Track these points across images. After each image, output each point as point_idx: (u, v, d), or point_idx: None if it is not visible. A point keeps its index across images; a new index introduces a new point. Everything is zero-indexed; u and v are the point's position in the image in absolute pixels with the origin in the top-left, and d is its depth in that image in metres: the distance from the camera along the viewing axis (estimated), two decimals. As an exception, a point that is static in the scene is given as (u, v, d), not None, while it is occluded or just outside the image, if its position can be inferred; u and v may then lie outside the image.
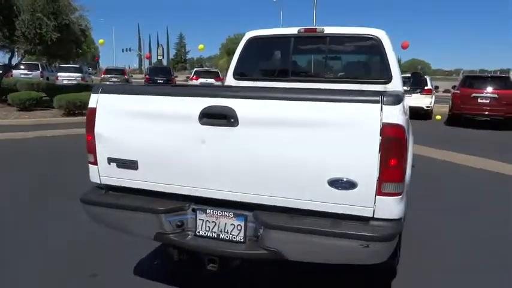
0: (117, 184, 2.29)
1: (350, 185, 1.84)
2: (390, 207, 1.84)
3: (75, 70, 23.21)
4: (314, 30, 3.93)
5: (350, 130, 1.81)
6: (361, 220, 1.87)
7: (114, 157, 2.24)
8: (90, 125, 2.28)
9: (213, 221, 2.12)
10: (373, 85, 3.77)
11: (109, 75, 23.10)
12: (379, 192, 1.81)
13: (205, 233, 2.13)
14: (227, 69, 4.51)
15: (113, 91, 2.28)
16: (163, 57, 76.85)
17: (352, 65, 4.26)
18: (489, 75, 13.40)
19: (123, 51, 61.49)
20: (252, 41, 4.15)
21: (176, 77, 25.50)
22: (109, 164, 2.26)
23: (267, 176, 1.96)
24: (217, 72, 23.37)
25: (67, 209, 4.03)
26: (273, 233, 1.94)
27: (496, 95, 11.70)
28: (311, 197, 1.91)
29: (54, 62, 21.47)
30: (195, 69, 23.99)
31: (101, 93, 2.26)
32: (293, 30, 4.03)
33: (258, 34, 4.15)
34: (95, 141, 2.27)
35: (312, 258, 1.98)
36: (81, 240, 3.37)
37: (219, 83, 21.91)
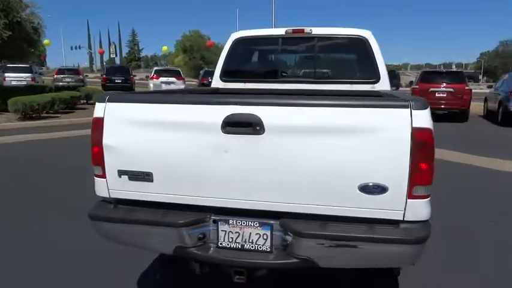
0: (129, 198, 2.17)
1: (381, 189, 1.85)
2: (420, 210, 1.87)
3: (25, 70, 21.67)
4: (302, 31, 3.93)
5: (380, 135, 1.82)
6: (390, 223, 1.89)
7: (126, 169, 2.12)
8: (97, 136, 2.14)
9: (236, 232, 2.06)
10: (362, 85, 3.84)
11: (62, 76, 21.99)
12: (410, 195, 1.84)
13: (228, 244, 2.06)
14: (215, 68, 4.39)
15: (122, 100, 2.15)
16: (116, 55, 74.16)
17: (341, 65, 4.32)
18: (444, 71, 14.13)
19: (72, 49, 58.19)
20: (238, 42, 4.09)
21: (135, 76, 24.72)
22: (120, 176, 2.13)
23: (295, 183, 1.93)
24: (179, 71, 22.89)
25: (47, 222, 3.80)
26: (305, 241, 1.91)
27: (452, 89, 12.39)
28: (341, 203, 1.90)
29: (5, 63, 20.04)
30: (155, 68, 23.29)
31: (108, 102, 2.13)
32: (280, 31, 4.01)
33: (244, 35, 4.10)
34: (103, 153, 2.13)
35: (343, 264, 1.98)
36: (67, 256, 3.17)
37: (180, 82, 21.55)
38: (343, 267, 2.00)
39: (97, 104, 2.17)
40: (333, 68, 4.25)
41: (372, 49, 3.78)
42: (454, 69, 16.67)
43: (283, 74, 4.15)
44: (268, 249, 2.02)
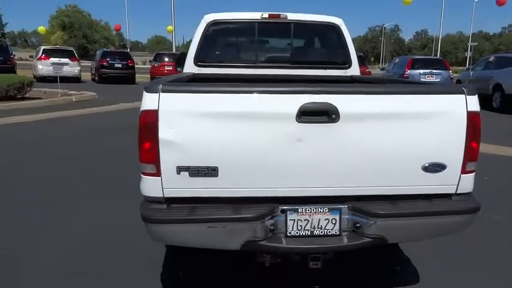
0: (187, 196, 2.03)
1: (441, 167, 2.06)
2: (469, 183, 2.14)
3: None
4: (278, 16, 3.95)
5: (442, 119, 2.02)
6: (444, 197, 2.13)
7: (187, 165, 1.97)
8: (149, 130, 1.94)
9: (305, 219, 2.09)
10: (336, 70, 4.07)
11: None
12: (463, 171, 2.09)
13: (297, 233, 2.08)
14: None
15: (180, 90, 1.97)
16: (-27, 31, 63.20)
17: (315, 50, 4.45)
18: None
19: None
20: (213, 25, 3.94)
21: (15, 56, 21.42)
22: (178, 173, 1.98)
23: (367, 167, 2.03)
24: (72, 50, 20.45)
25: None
26: (378, 221, 2.03)
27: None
28: (407, 182, 2.07)
29: None
30: (43, 47, 20.33)
31: (163, 92, 1.93)
32: (255, 15, 3.97)
33: (218, 18, 3.95)
34: (158, 149, 1.94)
35: (410, 238, 2.17)
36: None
37: (75, 63, 19.51)
38: (408, 240, 2.19)
39: (146, 94, 1.96)
40: (308, 53, 4.37)
41: (344, 36, 4.01)
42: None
43: (260, 59, 4.14)
44: (337, 233, 2.10)
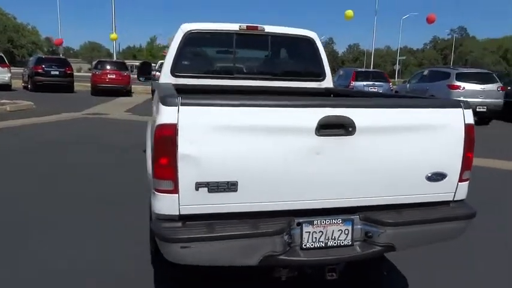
0: (204, 212, 1.96)
1: (442, 176, 2.20)
2: (464, 190, 2.30)
3: None
4: (256, 28, 3.98)
5: (443, 130, 2.17)
6: (443, 204, 2.28)
7: (207, 181, 1.91)
8: (167, 145, 1.86)
9: (320, 231, 2.11)
10: (311, 82, 4.18)
11: None
12: (461, 179, 2.25)
13: (312, 245, 2.10)
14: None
15: (201, 103, 1.90)
16: None
17: (291, 63, 4.51)
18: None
19: None
20: (191, 35, 3.86)
21: None
22: (197, 189, 1.91)
23: (378, 178, 2.11)
24: (2, 56, 18.74)
25: None
26: (388, 230, 2.11)
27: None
28: (412, 191, 2.19)
29: None
30: None
31: (182, 105, 1.86)
32: (234, 27, 3.97)
33: (196, 28, 3.89)
34: (176, 165, 1.86)
35: (415, 244, 2.27)
36: None
37: (5, 70, 18.01)
38: (414, 247, 2.29)
39: (164, 107, 1.87)
40: (284, 65, 4.43)
41: (318, 49, 4.14)
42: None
43: (237, 70, 4.12)
44: (350, 243, 2.15)
